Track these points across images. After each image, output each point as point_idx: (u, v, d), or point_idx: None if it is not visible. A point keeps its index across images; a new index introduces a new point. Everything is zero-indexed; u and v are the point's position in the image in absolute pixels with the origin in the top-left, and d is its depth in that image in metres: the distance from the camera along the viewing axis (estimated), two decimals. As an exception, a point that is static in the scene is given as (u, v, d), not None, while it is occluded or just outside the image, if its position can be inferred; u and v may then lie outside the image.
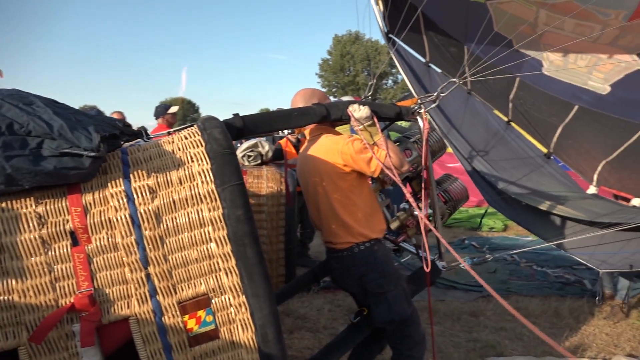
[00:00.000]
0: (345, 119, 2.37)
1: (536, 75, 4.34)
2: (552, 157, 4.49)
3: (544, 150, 4.57)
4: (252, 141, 4.72)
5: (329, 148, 2.35)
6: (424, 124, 2.54)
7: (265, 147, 4.70)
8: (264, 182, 4.38)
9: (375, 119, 2.35)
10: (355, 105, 2.35)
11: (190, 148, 1.56)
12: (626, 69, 3.83)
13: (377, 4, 4.72)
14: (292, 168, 4.64)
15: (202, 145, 1.55)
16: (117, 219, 1.49)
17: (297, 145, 5.37)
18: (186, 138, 1.59)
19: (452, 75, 4.73)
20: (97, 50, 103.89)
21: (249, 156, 4.62)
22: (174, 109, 6.29)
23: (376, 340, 2.70)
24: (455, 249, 7.39)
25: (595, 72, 4.03)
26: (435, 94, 2.60)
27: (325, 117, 2.28)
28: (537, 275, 5.44)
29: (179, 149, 1.56)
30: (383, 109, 2.46)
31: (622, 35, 3.80)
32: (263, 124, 1.95)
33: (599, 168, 4.18)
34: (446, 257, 2.81)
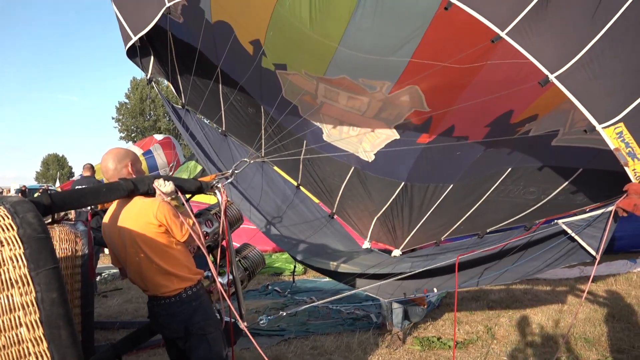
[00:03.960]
0: (152, 193, 2.54)
1: (319, 141, 5.00)
2: (334, 217, 5.18)
3: (328, 211, 5.25)
4: None
5: (143, 210, 2.49)
6: (222, 198, 2.85)
7: None
8: (56, 244, 4.08)
9: (179, 192, 2.61)
10: (161, 180, 2.58)
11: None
12: (386, 139, 4.72)
13: (167, 80, 4.92)
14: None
15: (13, 229, 1.53)
16: None
17: None
18: (-7, 221, 1.54)
19: (250, 139, 5.17)
20: None
21: None
22: None
23: None
24: (259, 296, 7.63)
25: (363, 143, 4.85)
26: (230, 171, 2.98)
27: (133, 191, 2.44)
28: (332, 314, 6.04)
29: (-14, 233, 1.51)
30: (186, 183, 2.78)
31: (384, 108, 4.64)
32: (72, 200, 1.99)
33: (372, 226, 4.99)
34: (247, 317, 3.12)
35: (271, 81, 4.55)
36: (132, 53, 4.58)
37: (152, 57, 4.84)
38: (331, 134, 4.99)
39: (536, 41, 3.00)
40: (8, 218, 1.55)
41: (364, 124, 4.76)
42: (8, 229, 1.53)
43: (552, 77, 2.91)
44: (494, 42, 3.09)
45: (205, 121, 5.16)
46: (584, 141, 3.62)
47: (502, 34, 2.99)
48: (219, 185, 2.90)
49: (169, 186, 2.55)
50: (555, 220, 3.29)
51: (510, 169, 4.33)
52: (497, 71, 3.74)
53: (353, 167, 4.95)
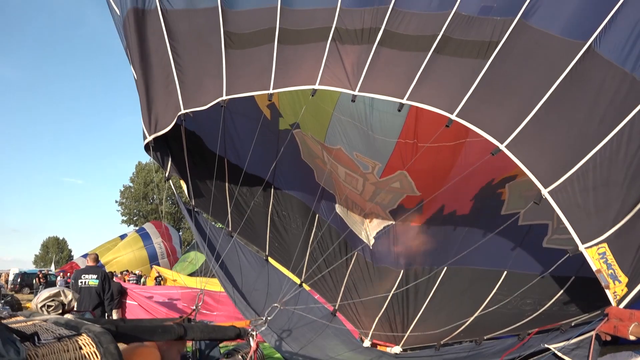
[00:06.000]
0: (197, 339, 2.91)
1: (331, 211, 5.30)
2: (336, 315, 5.44)
3: (330, 308, 5.51)
4: (53, 290, 4.50)
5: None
6: (254, 344, 3.20)
7: (68, 295, 4.49)
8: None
9: None
10: None
11: (86, 359, 1.93)
12: (382, 222, 5.08)
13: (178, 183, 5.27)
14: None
15: (97, 357, 1.93)
16: None
17: None
18: (81, 348, 1.95)
19: (255, 236, 5.47)
20: None
21: (49, 306, 4.30)
22: None
23: None
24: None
25: (365, 223, 5.23)
26: (263, 318, 3.40)
27: (182, 336, 2.76)
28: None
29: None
30: (227, 332, 3.11)
31: (378, 192, 5.03)
32: (133, 333, 2.39)
33: (374, 324, 5.26)
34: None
35: (289, 143, 4.88)
36: (148, 147, 4.84)
37: (169, 157, 5.22)
38: (339, 208, 5.33)
39: (533, 153, 3.20)
40: (93, 346, 1.95)
41: (362, 205, 5.14)
42: (94, 357, 1.93)
43: (545, 192, 3.10)
44: (494, 154, 3.31)
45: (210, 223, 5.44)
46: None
47: (502, 147, 3.25)
48: (253, 333, 3.23)
49: None
50: (546, 345, 3.42)
51: (506, 272, 4.64)
52: (476, 147, 4.11)
53: (356, 253, 5.26)
